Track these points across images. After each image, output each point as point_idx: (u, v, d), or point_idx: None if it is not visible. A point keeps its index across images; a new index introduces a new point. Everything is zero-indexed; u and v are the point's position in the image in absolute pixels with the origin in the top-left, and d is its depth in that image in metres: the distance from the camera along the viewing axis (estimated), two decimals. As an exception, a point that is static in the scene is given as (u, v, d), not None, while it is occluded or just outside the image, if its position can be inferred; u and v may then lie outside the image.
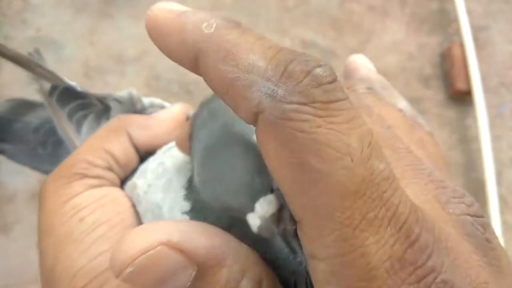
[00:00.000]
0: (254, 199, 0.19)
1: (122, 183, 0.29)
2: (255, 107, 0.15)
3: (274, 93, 0.15)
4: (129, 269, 0.17)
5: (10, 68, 0.98)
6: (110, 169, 0.28)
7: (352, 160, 0.14)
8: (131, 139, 0.30)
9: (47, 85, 0.37)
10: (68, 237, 0.24)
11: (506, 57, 0.95)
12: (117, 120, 0.31)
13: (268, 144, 0.15)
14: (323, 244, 0.15)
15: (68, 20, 0.96)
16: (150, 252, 0.17)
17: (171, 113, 0.32)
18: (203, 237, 0.17)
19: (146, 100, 0.36)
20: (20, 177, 0.89)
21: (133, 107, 0.36)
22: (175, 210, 0.24)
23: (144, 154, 0.30)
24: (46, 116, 0.40)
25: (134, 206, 0.27)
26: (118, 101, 0.35)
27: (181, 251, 0.17)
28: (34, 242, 0.80)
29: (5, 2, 0.99)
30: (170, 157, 0.27)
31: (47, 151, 0.40)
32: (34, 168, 0.42)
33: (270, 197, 0.19)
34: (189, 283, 0.17)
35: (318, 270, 0.15)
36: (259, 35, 0.16)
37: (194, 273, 0.17)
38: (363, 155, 0.14)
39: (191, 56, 0.16)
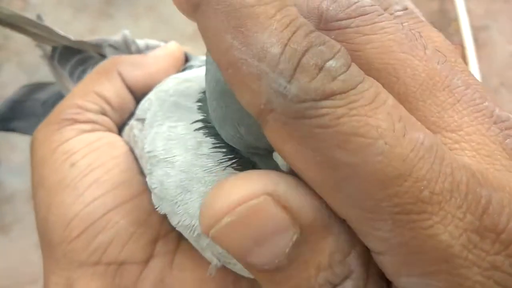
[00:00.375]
0: None
1: (120, 129, 0.27)
2: (263, 104, 0.13)
3: (287, 92, 0.13)
4: (226, 220, 0.13)
5: (10, 68, 0.98)
6: (103, 113, 0.26)
7: (385, 143, 0.12)
8: (123, 79, 0.28)
9: (49, 49, 0.36)
10: (60, 183, 0.23)
11: (506, 57, 0.95)
12: (108, 61, 0.29)
13: (284, 145, 0.13)
14: (379, 238, 0.13)
15: (68, 20, 0.96)
16: (252, 202, 0.14)
17: (167, 50, 0.30)
18: (309, 196, 0.14)
19: (141, 42, 0.35)
20: (19, 177, 0.88)
21: (128, 50, 0.34)
22: (188, 141, 0.21)
23: (141, 96, 0.27)
24: (55, 91, 0.41)
25: (132, 150, 0.25)
26: (113, 46, 0.34)
27: (285, 207, 0.14)
28: (34, 242, 0.80)
29: (5, 2, 0.99)
30: (167, 89, 0.24)
31: None
32: None
33: None
34: (288, 249, 0.14)
35: (386, 264, 0.14)
36: (281, 3, 0.13)
37: (296, 237, 0.14)
38: (397, 132, 0.13)
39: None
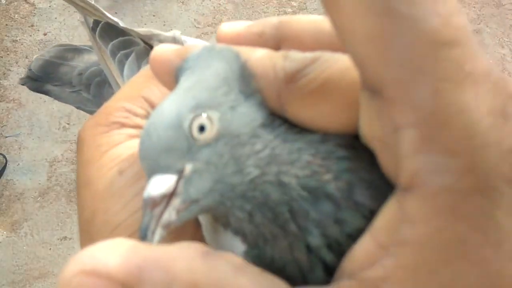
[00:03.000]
0: (158, 169, 0.19)
1: None
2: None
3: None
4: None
5: (17, 71, 0.98)
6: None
7: (445, 7, 0.13)
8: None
9: (90, 20, 0.36)
10: (107, 190, 0.24)
11: (498, 60, 0.96)
12: None
13: None
14: (413, 105, 0.13)
15: (75, 24, 0.97)
16: (73, 284, 0.16)
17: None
18: (118, 255, 0.16)
19: (189, 44, 0.34)
20: (28, 176, 0.90)
21: None
22: None
23: None
24: (91, 61, 0.41)
25: None
26: (162, 42, 0.34)
27: (97, 275, 0.16)
28: (42, 239, 0.81)
29: (13, 7, 1.00)
30: None
31: (91, 93, 0.40)
32: (79, 107, 0.42)
33: (170, 178, 0.19)
34: None
35: (406, 141, 0.14)
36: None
37: None
38: (457, 5, 0.13)
39: None
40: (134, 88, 0.27)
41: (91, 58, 0.41)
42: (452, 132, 0.13)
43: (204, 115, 0.20)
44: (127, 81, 0.31)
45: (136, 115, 0.26)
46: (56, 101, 0.46)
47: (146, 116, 0.27)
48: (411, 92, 0.13)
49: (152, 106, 0.27)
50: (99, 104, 0.32)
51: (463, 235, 0.14)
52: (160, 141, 0.20)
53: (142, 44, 0.35)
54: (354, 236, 0.19)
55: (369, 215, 0.19)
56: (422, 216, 0.14)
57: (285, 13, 0.99)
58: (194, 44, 0.35)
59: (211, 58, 0.22)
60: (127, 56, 0.34)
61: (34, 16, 0.99)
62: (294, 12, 0.98)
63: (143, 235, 0.19)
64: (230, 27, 0.24)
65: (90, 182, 0.24)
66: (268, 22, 0.24)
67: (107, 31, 0.35)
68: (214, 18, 0.95)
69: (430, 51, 0.13)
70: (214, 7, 0.98)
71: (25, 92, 0.93)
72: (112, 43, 0.35)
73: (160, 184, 0.20)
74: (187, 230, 0.24)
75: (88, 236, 0.24)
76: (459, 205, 0.14)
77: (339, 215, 0.19)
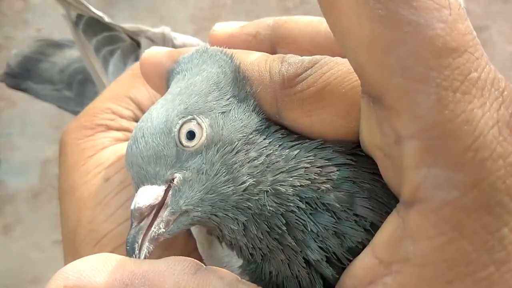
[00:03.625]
0: (148, 179, 0.18)
1: None
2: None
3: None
4: None
5: None
6: (135, 119, 0.26)
7: (450, 14, 0.13)
8: None
9: (74, 14, 0.35)
10: (93, 198, 0.23)
11: (506, 57, 0.95)
12: None
13: None
14: (415, 115, 0.13)
15: None
16: None
17: None
18: (104, 271, 0.16)
19: (179, 40, 0.34)
20: (20, 177, 0.88)
21: (164, 46, 0.33)
22: None
23: None
24: (73, 57, 0.39)
25: None
26: (150, 39, 0.33)
27: None
28: (35, 242, 0.80)
29: (6, 2, 0.99)
30: None
31: (73, 92, 0.38)
32: (61, 107, 0.40)
33: (158, 189, 0.18)
34: None
35: (408, 152, 0.13)
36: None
37: None
38: (460, 11, 0.13)
39: None
40: (121, 88, 0.25)
41: (72, 54, 0.39)
42: (456, 144, 0.12)
43: (193, 121, 0.19)
44: (113, 79, 0.29)
45: (122, 117, 0.25)
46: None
47: (133, 118, 0.25)
48: (413, 101, 0.12)
49: (139, 107, 0.25)
50: (81, 104, 0.31)
51: (467, 253, 0.13)
52: (147, 148, 0.19)
53: (128, 40, 0.33)
54: (354, 250, 0.17)
55: (370, 228, 0.17)
56: (425, 232, 0.14)
57: (286, 7, 0.98)
58: (186, 44, 0.34)
59: (202, 61, 0.21)
60: (112, 53, 0.32)
61: (27, 12, 0.98)
62: (295, 7, 0.97)
63: (129, 249, 0.18)
64: (223, 27, 0.23)
65: (75, 189, 0.23)
66: (263, 23, 0.23)
67: (91, 26, 0.33)
68: (213, 13, 0.94)
69: (434, 59, 0.12)
70: (212, 1, 0.97)
71: (21, 94, 0.92)
72: (96, 38, 0.33)
73: (148, 194, 0.18)
74: (176, 244, 0.22)
75: (72, 246, 0.23)
76: (463, 222, 0.13)
77: (339, 228, 0.17)
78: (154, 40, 0.33)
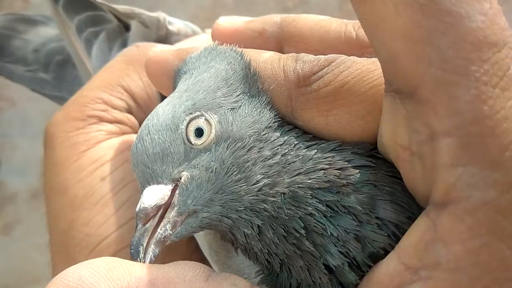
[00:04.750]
0: (153, 179, 0.18)
1: None
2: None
3: None
4: None
5: None
6: (129, 111, 0.24)
7: (490, 7, 0.12)
8: None
9: None
10: (88, 198, 0.21)
11: None
12: (136, 49, 0.26)
13: None
14: (453, 110, 0.12)
15: None
16: None
17: (200, 43, 0.26)
18: (109, 278, 0.15)
19: (175, 26, 0.31)
20: (21, 177, 0.88)
21: (156, 32, 0.31)
22: None
23: (168, 93, 0.26)
24: (49, 36, 0.35)
25: None
26: (144, 23, 0.30)
27: None
28: (35, 242, 0.80)
29: (6, 2, 0.99)
30: None
31: (50, 74, 0.34)
32: (35, 90, 0.37)
33: (164, 188, 0.18)
34: None
35: (443, 150, 0.13)
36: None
37: None
38: (499, 6, 0.12)
39: None
40: (112, 76, 0.24)
41: (48, 32, 0.35)
42: (494, 142, 0.12)
43: (201, 117, 0.18)
44: (97, 64, 0.27)
45: (114, 107, 0.23)
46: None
47: (126, 109, 0.24)
48: (451, 95, 0.12)
49: (133, 97, 0.24)
50: (60, 88, 0.28)
51: (505, 257, 0.13)
52: (153, 146, 0.18)
53: (115, 22, 0.30)
54: (376, 256, 0.17)
55: (394, 233, 0.17)
56: (458, 235, 0.13)
57: (286, 7, 0.98)
58: (181, 32, 0.32)
59: (211, 59, 0.20)
60: (96, 35, 0.30)
61: (27, 11, 0.98)
62: (295, 7, 0.97)
63: (134, 253, 0.17)
64: (227, 21, 0.22)
65: (67, 188, 0.21)
66: (270, 19, 0.22)
67: (73, 3, 0.30)
68: (214, 12, 0.94)
69: (474, 52, 0.12)
70: (213, 1, 0.97)
71: (18, 91, 0.92)
72: (78, 17, 0.30)
73: (154, 194, 0.17)
74: (178, 249, 0.22)
75: (63, 251, 0.21)
76: (500, 224, 0.12)
77: (361, 231, 0.17)
78: (148, 25, 0.31)
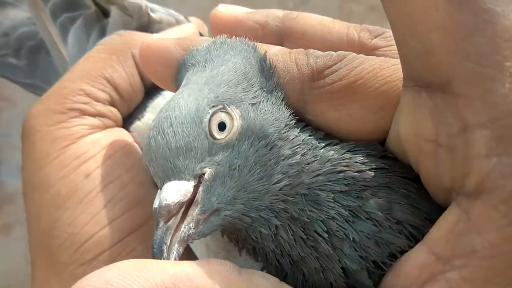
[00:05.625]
0: (173, 174, 0.17)
1: (125, 120, 0.25)
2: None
3: None
4: None
5: None
6: (111, 103, 0.23)
7: None
8: (137, 65, 0.24)
9: None
10: (71, 196, 0.21)
11: None
12: (119, 38, 0.25)
13: None
14: (489, 103, 0.13)
15: None
16: None
17: (184, 33, 0.26)
18: (137, 278, 0.14)
19: (157, 15, 0.30)
20: (20, 177, 0.88)
21: (137, 20, 0.29)
22: None
23: (152, 85, 0.25)
24: (20, 19, 0.33)
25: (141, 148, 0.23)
26: (124, 9, 0.29)
27: None
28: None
29: (5, 3, 0.99)
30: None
31: (21, 61, 0.32)
32: (4, 77, 0.35)
33: (187, 184, 0.17)
34: None
35: (477, 141, 0.13)
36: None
37: None
38: None
39: None
40: (94, 66, 0.23)
41: (18, 15, 0.33)
42: None
43: (223, 111, 0.18)
44: (73, 52, 0.25)
45: (97, 100, 0.22)
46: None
47: (109, 102, 0.23)
48: (487, 88, 0.12)
49: (116, 89, 0.23)
50: (33, 75, 0.27)
51: None
52: (177, 139, 0.17)
53: (92, 7, 0.29)
54: (395, 257, 0.17)
55: (411, 233, 0.17)
56: (494, 223, 0.13)
57: (286, 7, 0.98)
58: (163, 20, 0.31)
59: (224, 52, 0.20)
60: (72, 21, 0.28)
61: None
62: (295, 6, 0.97)
63: (157, 252, 0.16)
64: (228, 9, 0.22)
65: (49, 185, 0.21)
66: (272, 13, 0.22)
67: None
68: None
69: (509, 49, 0.12)
70: (212, 1, 0.97)
71: (18, 91, 0.92)
72: (53, 1, 0.28)
73: (176, 190, 0.17)
74: None
75: (44, 251, 0.21)
76: None
77: (381, 236, 0.17)
78: (129, 12, 0.29)
